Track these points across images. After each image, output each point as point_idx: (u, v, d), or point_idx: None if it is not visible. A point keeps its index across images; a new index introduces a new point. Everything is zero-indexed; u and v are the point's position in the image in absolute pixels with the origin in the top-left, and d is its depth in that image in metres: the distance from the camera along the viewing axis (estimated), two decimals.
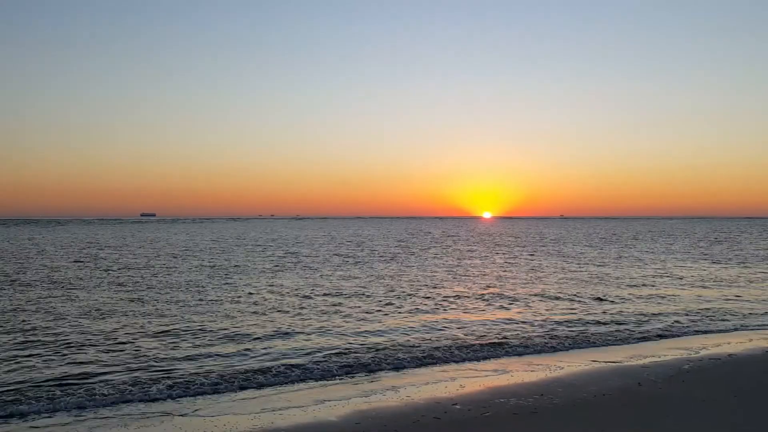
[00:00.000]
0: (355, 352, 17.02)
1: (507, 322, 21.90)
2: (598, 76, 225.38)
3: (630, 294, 29.23)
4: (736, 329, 21.00)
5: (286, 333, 19.37)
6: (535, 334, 19.76)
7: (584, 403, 12.30)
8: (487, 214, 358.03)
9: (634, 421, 11.03)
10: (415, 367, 15.72)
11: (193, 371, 14.91)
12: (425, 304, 25.82)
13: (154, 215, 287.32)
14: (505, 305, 25.83)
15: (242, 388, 13.68)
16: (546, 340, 18.79)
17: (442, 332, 19.94)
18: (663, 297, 28.27)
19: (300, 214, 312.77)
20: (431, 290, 30.65)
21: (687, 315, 23.38)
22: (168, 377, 14.35)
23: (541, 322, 21.70)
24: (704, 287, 31.89)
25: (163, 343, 18.10)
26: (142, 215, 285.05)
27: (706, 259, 51.95)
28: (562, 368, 15.54)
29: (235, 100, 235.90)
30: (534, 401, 12.51)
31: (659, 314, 23.49)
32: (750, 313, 23.90)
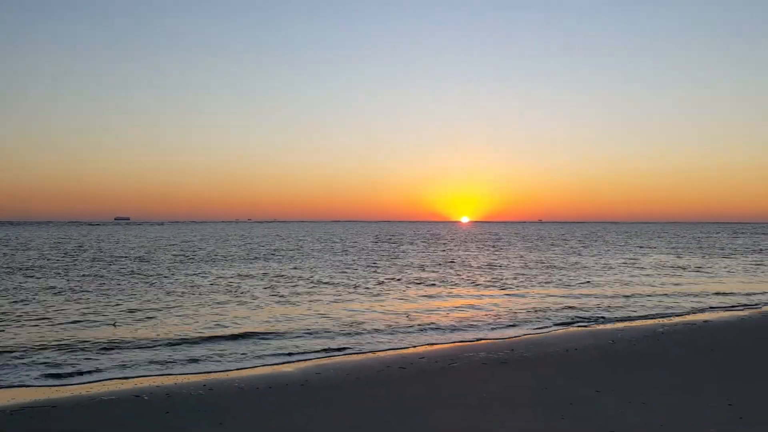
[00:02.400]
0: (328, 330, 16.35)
1: (477, 308, 21.45)
2: (579, 81, 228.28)
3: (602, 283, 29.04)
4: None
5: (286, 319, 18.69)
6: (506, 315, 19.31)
7: (555, 356, 11.86)
8: (465, 219, 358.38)
9: (606, 371, 10.62)
10: (389, 334, 14.97)
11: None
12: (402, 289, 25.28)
13: (128, 219, 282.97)
14: (485, 291, 25.41)
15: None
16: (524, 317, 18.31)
17: (425, 311, 19.42)
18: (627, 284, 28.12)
19: (277, 218, 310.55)
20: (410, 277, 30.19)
21: (649, 299, 23.06)
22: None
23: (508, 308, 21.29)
24: (627, 282, 31.82)
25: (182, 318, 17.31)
26: (116, 219, 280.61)
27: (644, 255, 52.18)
28: (537, 333, 15.08)
29: (211, 103, 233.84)
30: (504, 355, 12.05)
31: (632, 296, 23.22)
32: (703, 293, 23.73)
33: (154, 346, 12.97)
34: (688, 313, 18.31)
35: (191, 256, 42.73)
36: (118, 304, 19.04)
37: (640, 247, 61.16)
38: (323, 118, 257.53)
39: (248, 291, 22.89)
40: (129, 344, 13.17)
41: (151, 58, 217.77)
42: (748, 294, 23.25)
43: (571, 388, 9.30)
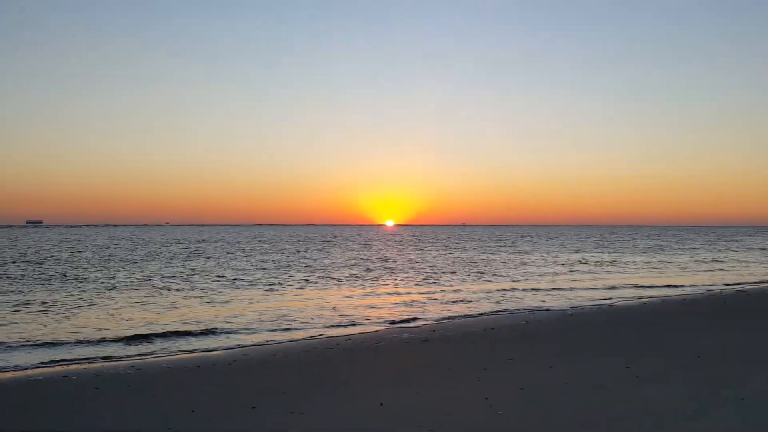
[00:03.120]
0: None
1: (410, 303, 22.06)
2: (505, 86, 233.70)
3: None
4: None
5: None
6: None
7: (473, 335, 12.60)
8: (389, 222, 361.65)
9: (519, 345, 11.41)
10: (323, 328, 15.03)
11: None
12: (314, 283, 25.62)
13: (41, 222, 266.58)
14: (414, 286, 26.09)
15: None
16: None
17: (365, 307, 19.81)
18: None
19: (197, 221, 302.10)
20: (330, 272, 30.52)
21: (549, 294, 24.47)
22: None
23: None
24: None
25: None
26: (28, 222, 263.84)
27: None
28: (461, 319, 15.80)
29: (127, 102, 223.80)
30: (426, 335, 12.70)
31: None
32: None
33: (77, 344, 12.51)
34: (596, 299, 19.64)
35: (108, 258, 41.44)
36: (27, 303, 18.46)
37: (561, 245, 63.92)
38: (245, 119, 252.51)
39: (165, 289, 22.60)
40: (34, 343, 12.77)
41: (55, 54, 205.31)
42: (652, 286, 25.04)
43: (487, 358, 10.00)
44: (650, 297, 20.37)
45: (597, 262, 38.34)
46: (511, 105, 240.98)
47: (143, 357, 10.94)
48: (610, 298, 20.14)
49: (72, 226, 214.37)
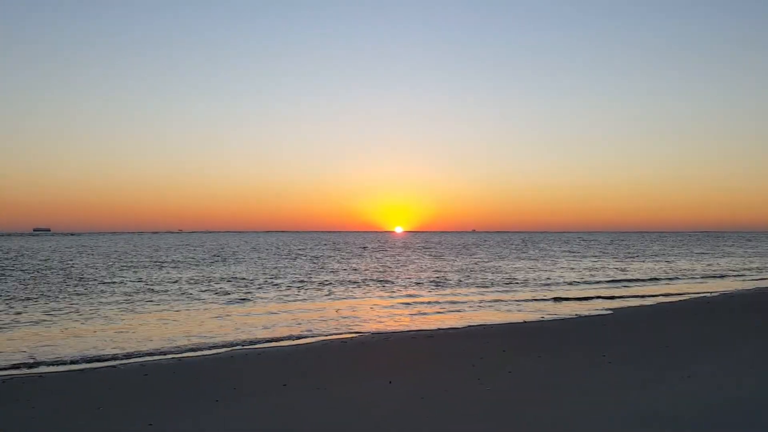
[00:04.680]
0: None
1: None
2: (517, 93, 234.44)
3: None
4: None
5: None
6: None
7: (482, 332, 14.14)
8: (398, 229, 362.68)
9: (529, 340, 12.91)
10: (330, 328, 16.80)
11: None
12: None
13: (49, 230, 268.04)
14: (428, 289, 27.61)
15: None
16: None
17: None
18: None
19: (208, 228, 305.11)
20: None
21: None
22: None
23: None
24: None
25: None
26: (35, 230, 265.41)
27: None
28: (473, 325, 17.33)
29: (136, 108, 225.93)
30: (432, 332, 14.27)
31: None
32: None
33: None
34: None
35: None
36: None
37: (571, 252, 65.20)
38: (252, 127, 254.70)
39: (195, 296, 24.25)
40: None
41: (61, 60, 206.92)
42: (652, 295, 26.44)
43: (484, 350, 11.54)
44: (649, 303, 21.83)
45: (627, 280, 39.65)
46: (522, 109, 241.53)
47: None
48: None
49: (74, 234, 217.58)
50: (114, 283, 27.40)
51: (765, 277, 32.96)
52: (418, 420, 6.99)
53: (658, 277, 32.35)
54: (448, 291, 24.77)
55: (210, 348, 12.46)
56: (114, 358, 11.54)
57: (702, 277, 32.37)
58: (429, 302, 20.94)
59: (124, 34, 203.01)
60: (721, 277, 32.98)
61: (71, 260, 46.04)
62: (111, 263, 42.20)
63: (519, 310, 18.78)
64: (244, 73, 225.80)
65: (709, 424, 6.55)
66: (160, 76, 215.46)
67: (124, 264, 41.36)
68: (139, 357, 11.66)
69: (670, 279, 31.19)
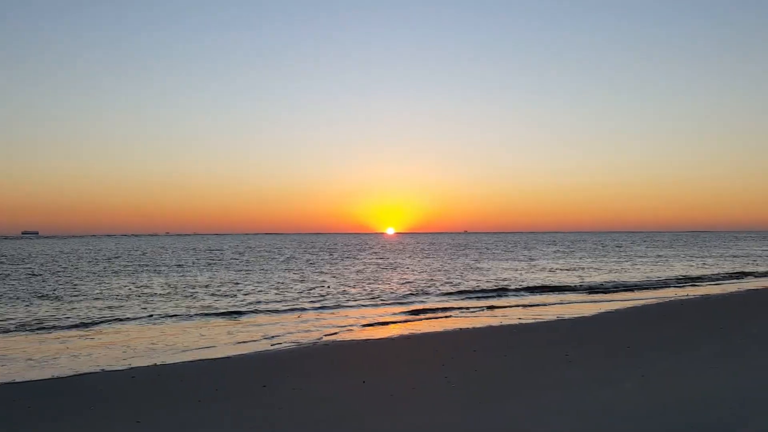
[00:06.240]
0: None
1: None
2: (505, 90, 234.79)
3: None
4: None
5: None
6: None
7: (457, 335, 14.79)
8: (390, 230, 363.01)
9: (500, 341, 13.56)
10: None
11: None
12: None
13: (36, 233, 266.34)
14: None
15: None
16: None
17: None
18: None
19: (197, 231, 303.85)
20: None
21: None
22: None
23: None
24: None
25: None
26: (23, 233, 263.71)
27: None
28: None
29: (128, 110, 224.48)
30: (408, 336, 14.98)
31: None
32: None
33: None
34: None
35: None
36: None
37: (560, 251, 66.06)
38: (244, 129, 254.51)
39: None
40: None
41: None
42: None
43: (455, 351, 12.19)
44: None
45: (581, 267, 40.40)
46: (513, 111, 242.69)
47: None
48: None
49: (57, 236, 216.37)
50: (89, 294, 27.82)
51: (743, 280, 33.85)
52: (386, 414, 7.60)
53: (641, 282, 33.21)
54: (428, 298, 25.32)
55: (193, 353, 13.01)
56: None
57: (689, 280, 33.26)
58: (409, 311, 21.33)
59: (113, 37, 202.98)
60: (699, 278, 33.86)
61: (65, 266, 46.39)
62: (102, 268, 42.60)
63: (504, 315, 19.35)
64: (236, 75, 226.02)
65: (656, 424, 7.02)
66: (147, 79, 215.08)
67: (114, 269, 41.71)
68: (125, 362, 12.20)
69: (657, 281, 32.04)
